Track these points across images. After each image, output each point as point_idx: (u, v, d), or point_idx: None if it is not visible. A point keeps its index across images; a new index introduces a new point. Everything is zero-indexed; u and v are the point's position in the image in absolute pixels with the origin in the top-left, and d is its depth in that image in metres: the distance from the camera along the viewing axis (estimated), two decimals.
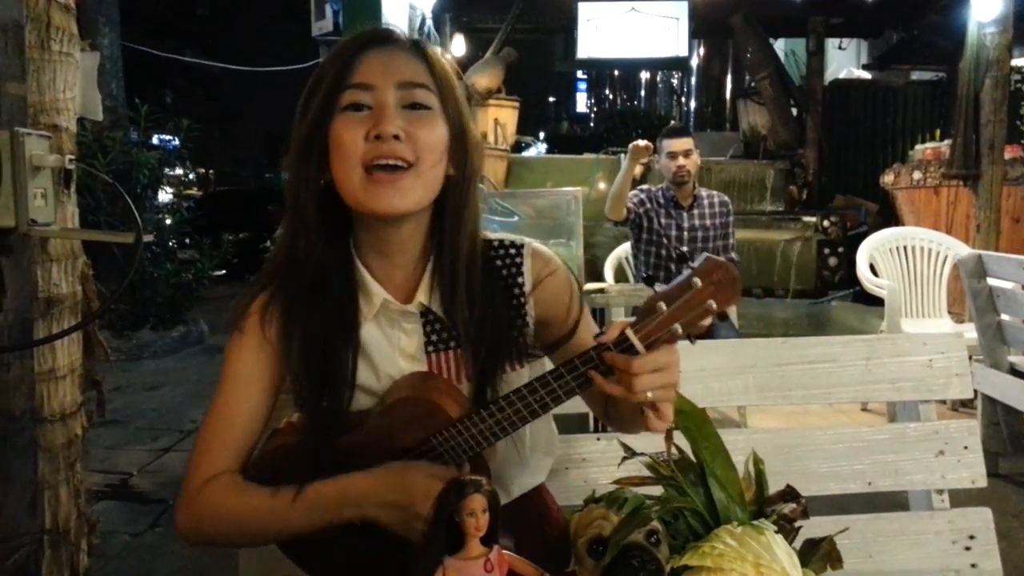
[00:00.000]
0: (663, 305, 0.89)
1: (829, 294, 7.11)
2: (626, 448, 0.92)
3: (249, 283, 1.07)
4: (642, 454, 0.91)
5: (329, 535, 0.97)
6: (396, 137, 0.94)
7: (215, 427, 1.03)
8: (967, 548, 1.39)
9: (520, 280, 1.07)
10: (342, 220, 1.02)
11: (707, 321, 0.89)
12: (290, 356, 1.02)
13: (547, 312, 1.09)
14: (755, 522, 0.80)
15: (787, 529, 0.83)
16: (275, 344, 1.02)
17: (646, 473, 0.88)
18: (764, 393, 1.46)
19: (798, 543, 0.86)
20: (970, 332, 3.46)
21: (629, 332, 0.89)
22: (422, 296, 1.03)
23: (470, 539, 0.81)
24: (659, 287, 0.94)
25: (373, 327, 1.03)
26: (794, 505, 0.85)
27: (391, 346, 1.04)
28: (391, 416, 0.99)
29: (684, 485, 0.83)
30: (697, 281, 0.89)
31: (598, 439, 1.37)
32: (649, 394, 0.87)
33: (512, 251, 1.09)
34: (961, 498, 1.43)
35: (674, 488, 0.84)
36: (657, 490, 0.87)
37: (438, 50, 1.04)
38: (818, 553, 0.85)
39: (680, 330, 0.89)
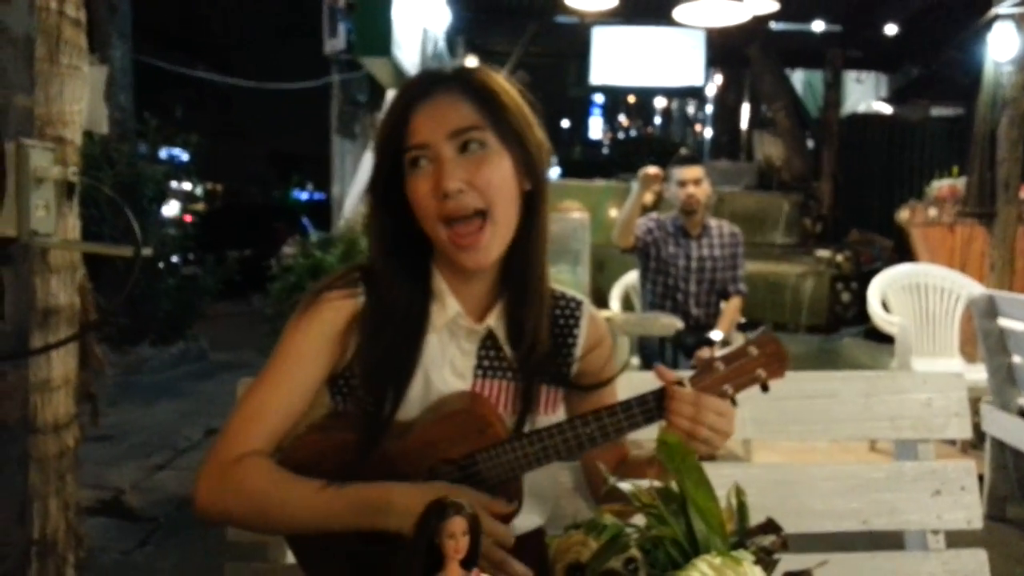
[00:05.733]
0: (721, 365, 1.00)
1: (841, 330, 7.07)
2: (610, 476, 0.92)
3: (333, 273, 1.12)
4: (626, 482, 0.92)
5: (345, 544, 0.98)
6: (459, 191, 0.98)
7: (258, 403, 1.04)
8: None
9: (576, 333, 1.14)
10: (426, 241, 1.06)
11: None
12: (349, 351, 1.05)
13: (584, 370, 1.16)
14: (733, 553, 0.80)
15: (766, 561, 0.83)
16: (337, 337, 1.05)
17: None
18: (762, 426, 1.45)
19: (779, 575, 0.85)
20: (981, 373, 3.42)
21: (687, 382, 1.00)
22: (492, 320, 1.08)
23: (449, 562, 0.81)
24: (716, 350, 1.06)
25: (435, 337, 1.07)
26: (774, 537, 0.85)
27: (443, 359, 1.07)
28: (441, 427, 1.01)
29: (665, 514, 0.83)
30: (753, 350, 1.00)
31: None
32: (706, 432, 0.97)
33: (572, 305, 1.16)
34: (967, 541, 1.41)
35: (655, 517, 0.84)
36: (640, 519, 0.87)
37: (479, 69, 1.06)
38: None
39: (731, 391, 1.00)
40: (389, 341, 1.03)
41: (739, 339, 1.05)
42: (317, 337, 1.05)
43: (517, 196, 1.04)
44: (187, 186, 7.03)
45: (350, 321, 1.05)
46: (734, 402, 1.01)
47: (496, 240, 1.02)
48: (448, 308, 1.06)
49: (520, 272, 1.07)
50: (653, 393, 1.00)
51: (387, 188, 1.04)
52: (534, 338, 1.07)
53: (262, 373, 1.06)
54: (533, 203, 1.06)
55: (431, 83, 1.04)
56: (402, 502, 0.93)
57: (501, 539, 0.95)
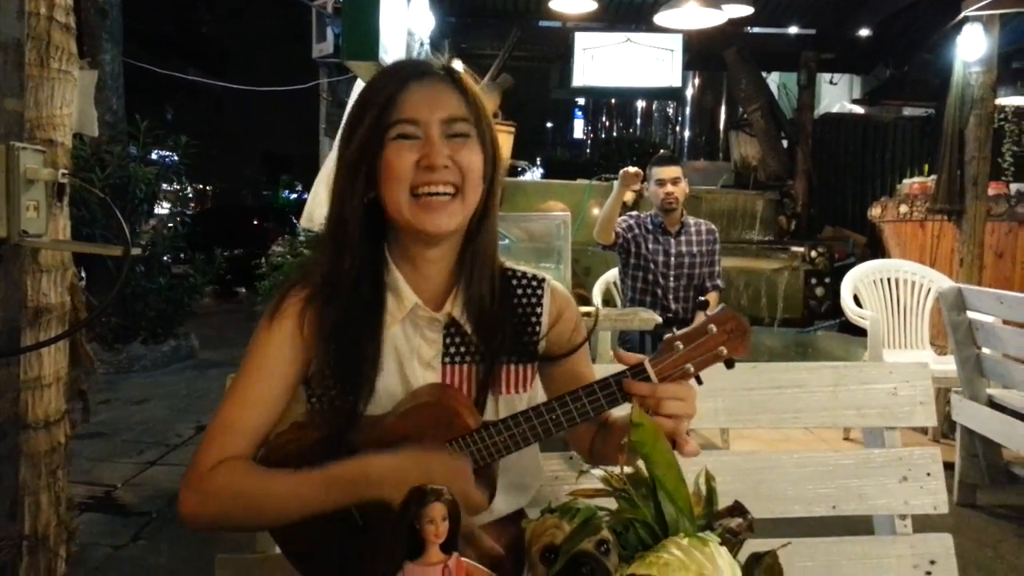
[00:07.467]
0: (680, 344, 1.00)
1: (815, 324, 7.15)
2: (584, 462, 0.96)
3: (289, 277, 1.14)
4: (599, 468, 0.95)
5: (329, 537, 1.01)
6: (444, 166, 1.04)
7: (233, 410, 1.06)
8: (928, 573, 1.41)
9: (539, 311, 1.16)
10: (380, 230, 1.10)
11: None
12: (316, 350, 1.07)
13: (553, 341, 1.18)
14: (701, 534, 0.83)
15: (732, 542, 0.86)
16: (303, 338, 1.07)
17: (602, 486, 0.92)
18: (733, 416, 1.49)
19: (744, 557, 0.90)
20: (951, 364, 3.51)
21: (647, 364, 1.00)
22: (450, 307, 1.10)
23: (430, 546, 0.84)
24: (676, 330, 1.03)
25: (398, 330, 1.10)
26: (740, 520, 0.88)
27: (410, 350, 1.10)
28: (410, 420, 1.04)
29: (635, 498, 0.86)
30: (713, 328, 0.99)
31: (570, 457, 1.40)
32: (668, 424, 0.97)
33: (534, 283, 1.18)
34: (937, 526, 1.45)
35: (626, 500, 0.87)
36: (612, 503, 0.90)
37: (461, 71, 1.12)
38: (761, 566, 0.88)
39: (692, 369, 1.00)
40: (350, 335, 1.06)
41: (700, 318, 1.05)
42: (285, 341, 1.07)
43: (481, 189, 1.09)
44: (176, 187, 7.00)
45: (311, 321, 1.07)
46: (699, 380, 1.02)
47: (460, 215, 1.07)
48: (406, 300, 1.09)
49: (473, 260, 1.11)
50: (615, 376, 1.01)
51: (358, 164, 1.06)
52: (494, 319, 1.10)
53: (234, 382, 1.08)
54: (487, 205, 1.11)
55: (424, 69, 1.09)
56: (377, 471, 0.97)
57: (475, 504, 0.98)
